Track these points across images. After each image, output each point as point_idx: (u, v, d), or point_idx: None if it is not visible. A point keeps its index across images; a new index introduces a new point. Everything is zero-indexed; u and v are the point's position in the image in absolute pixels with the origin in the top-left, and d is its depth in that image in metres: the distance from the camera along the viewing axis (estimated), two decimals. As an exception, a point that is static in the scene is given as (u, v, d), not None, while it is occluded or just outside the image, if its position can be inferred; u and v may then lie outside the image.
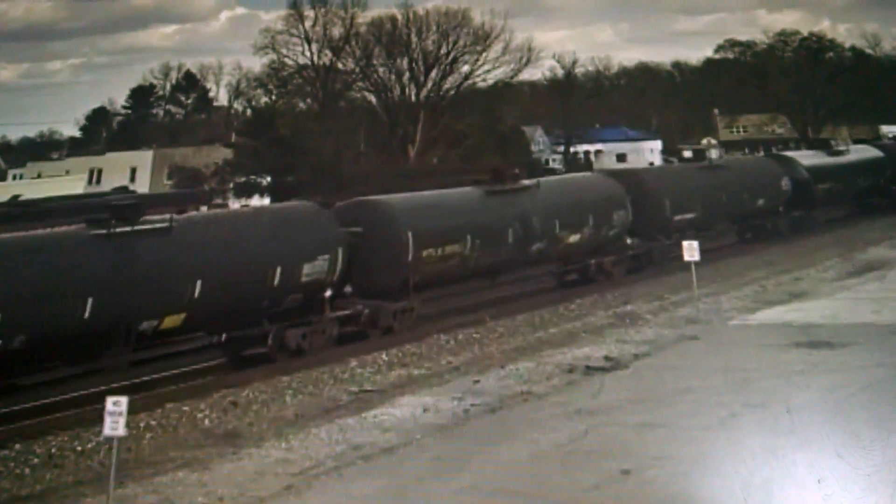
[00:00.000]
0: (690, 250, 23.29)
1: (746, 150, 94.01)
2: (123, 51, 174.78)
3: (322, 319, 22.21)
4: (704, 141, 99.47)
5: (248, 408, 17.25)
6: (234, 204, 55.33)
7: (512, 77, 77.84)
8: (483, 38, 73.99)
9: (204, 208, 31.97)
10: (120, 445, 12.40)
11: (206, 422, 16.57)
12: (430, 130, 71.62)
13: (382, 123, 74.07)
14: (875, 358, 17.25)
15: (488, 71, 75.14)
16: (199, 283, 19.32)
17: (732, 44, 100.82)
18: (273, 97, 76.86)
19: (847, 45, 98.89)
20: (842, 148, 45.99)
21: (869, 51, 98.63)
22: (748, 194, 36.44)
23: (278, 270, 21.00)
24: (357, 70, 74.81)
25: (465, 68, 74.38)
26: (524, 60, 76.26)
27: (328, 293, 22.34)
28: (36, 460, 14.90)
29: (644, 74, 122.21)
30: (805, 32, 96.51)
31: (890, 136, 69.54)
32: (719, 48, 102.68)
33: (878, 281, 26.17)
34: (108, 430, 11.87)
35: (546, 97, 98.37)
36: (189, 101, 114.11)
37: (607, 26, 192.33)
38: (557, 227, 28.02)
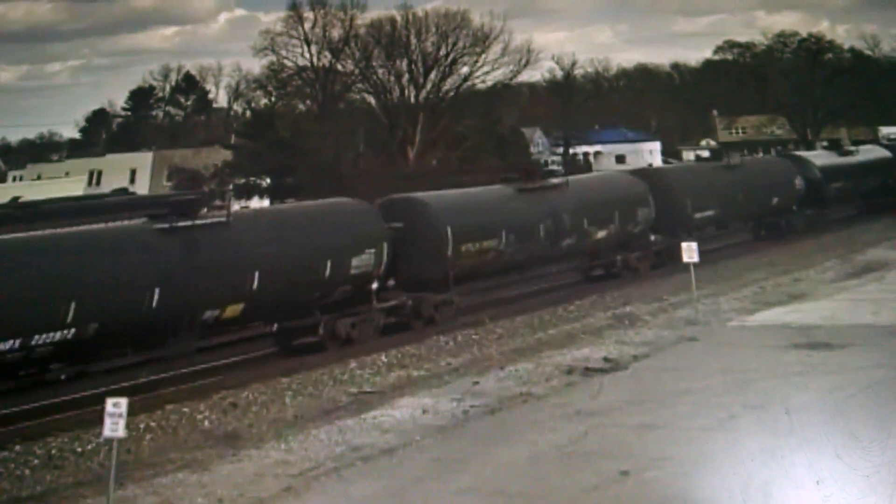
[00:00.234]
0: (689, 252, 23.32)
1: (745, 152, 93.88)
2: (123, 52, 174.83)
3: (370, 310, 23.33)
4: (703, 142, 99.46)
5: (247, 409, 17.27)
6: (234, 205, 55.16)
7: (511, 78, 77.71)
8: (482, 40, 73.92)
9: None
10: (120, 447, 12.44)
11: (206, 423, 16.60)
12: (429, 132, 71.50)
13: (382, 125, 73.93)
14: (874, 359, 17.28)
15: (487, 72, 75.02)
16: (256, 274, 20.38)
17: (731, 45, 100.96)
18: (272, 99, 76.71)
19: (846, 46, 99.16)
20: (852, 148, 46.76)
21: (868, 52, 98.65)
22: (763, 193, 37.28)
23: (329, 263, 22.08)
24: (356, 71, 74.65)
25: (465, 70, 74.25)
26: (523, 62, 76.17)
27: (374, 285, 23.37)
28: (36, 461, 14.92)
29: (643, 76, 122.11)
30: (804, 33, 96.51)
31: (891, 136, 69.35)
32: (718, 49, 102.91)
33: (876, 282, 26.24)
34: (108, 431, 11.90)
35: (545, 98, 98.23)
36: (188, 103, 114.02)
37: (606, 27, 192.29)
38: (586, 223, 29.08)
